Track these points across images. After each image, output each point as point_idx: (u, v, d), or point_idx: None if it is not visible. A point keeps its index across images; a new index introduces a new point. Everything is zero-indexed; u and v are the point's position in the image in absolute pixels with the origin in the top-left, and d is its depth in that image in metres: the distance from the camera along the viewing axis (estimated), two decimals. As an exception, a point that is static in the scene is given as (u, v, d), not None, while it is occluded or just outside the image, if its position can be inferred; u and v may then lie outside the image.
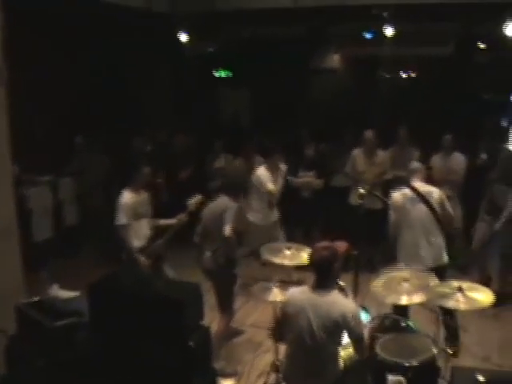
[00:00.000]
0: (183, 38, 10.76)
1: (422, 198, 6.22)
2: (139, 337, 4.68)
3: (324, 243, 4.67)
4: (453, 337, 5.52)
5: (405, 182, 7.48)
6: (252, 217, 8.33)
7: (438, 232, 6.25)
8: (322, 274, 4.48)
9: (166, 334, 4.61)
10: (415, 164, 6.78)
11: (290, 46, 11.60)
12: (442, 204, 6.26)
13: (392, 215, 6.43)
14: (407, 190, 6.33)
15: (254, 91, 12.84)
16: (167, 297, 4.78)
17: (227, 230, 5.91)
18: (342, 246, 4.79)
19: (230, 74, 13.84)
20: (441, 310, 5.28)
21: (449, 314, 5.46)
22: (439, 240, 6.25)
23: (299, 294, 4.58)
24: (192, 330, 4.68)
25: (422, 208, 6.21)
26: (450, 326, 5.42)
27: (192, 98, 12.43)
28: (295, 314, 4.47)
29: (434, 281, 5.18)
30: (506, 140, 11.84)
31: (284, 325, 4.66)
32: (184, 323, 4.62)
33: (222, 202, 6.14)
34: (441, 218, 6.24)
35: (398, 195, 6.39)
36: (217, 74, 13.90)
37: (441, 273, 5.85)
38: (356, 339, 4.49)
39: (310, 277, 4.61)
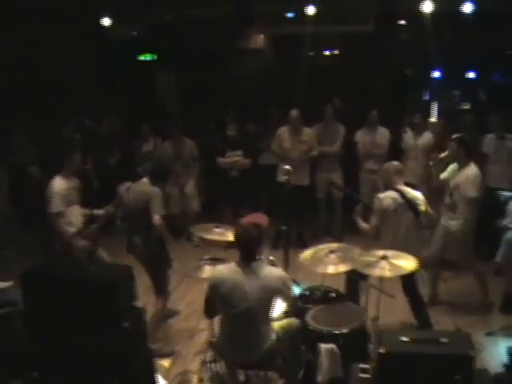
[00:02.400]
0: (106, 22, 10.64)
1: (411, 204, 5.99)
2: (74, 322, 4.69)
3: (248, 219, 4.74)
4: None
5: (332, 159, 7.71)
6: None
7: (418, 240, 6.17)
8: (249, 250, 4.56)
9: (101, 317, 4.63)
10: (395, 163, 6.36)
11: (214, 28, 11.56)
12: (426, 210, 6.11)
13: (375, 219, 6.07)
14: (395, 194, 6.01)
15: (181, 74, 12.76)
16: (99, 280, 4.79)
17: (157, 219, 5.90)
18: (261, 217, 4.85)
19: (156, 58, 13.72)
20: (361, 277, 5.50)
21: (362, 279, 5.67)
22: (418, 246, 6.09)
23: (229, 270, 4.63)
24: (126, 312, 4.71)
25: (409, 215, 6.00)
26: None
27: (118, 83, 12.30)
28: (228, 290, 4.53)
29: (358, 252, 5.37)
30: (428, 114, 12.22)
31: (216, 302, 4.72)
32: (117, 305, 4.65)
33: (146, 187, 6.09)
34: (426, 226, 6.22)
35: (388, 199, 5.99)
36: (142, 58, 13.76)
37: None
38: (290, 302, 4.71)
39: (238, 254, 4.68)
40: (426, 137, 8.87)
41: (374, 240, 6.12)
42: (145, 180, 6.11)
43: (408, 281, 5.99)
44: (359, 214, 6.30)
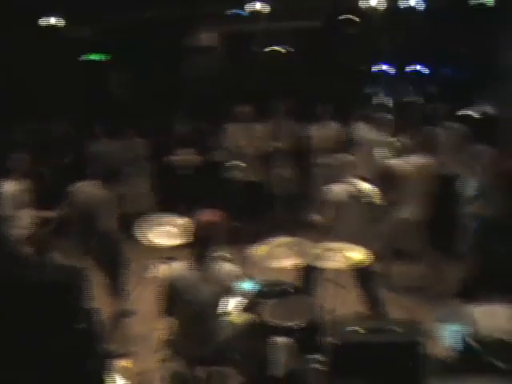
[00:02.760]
0: (56, 22, 10.51)
1: (364, 196, 6.09)
2: (27, 325, 4.66)
3: (203, 216, 4.74)
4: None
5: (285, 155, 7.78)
6: None
7: (371, 232, 6.17)
8: (204, 247, 4.57)
9: (55, 319, 4.61)
10: (346, 156, 6.47)
11: (165, 27, 11.54)
12: (379, 202, 6.20)
13: (328, 211, 6.08)
14: (348, 186, 6.07)
15: (133, 74, 12.69)
16: (53, 282, 4.76)
17: (108, 220, 5.88)
18: (217, 214, 4.85)
19: (109, 58, 13.61)
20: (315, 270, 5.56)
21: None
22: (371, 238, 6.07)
23: (183, 268, 4.64)
24: (81, 313, 4.70)
25: (362, 207, 6.09)
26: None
27: (70, 83, 12.17)
28: (182, 287, 4.55)
29: (311, 245, 5.43)
30: (379, 108, 12.38)
31: (172, 299, 4.72)
32: (71, 306, 4.64)
33: (97, 189, 6.08)
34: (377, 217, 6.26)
35: (341, 191, 6.05)
36: (94, 58, 13.63)
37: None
38: (244, 298, 4.81)
39: (192, 251, 4.69)
40: (378, 130, 8.94)
41: (327, 232, 6.10)
42: (95, 181, 6.09)
43: (362, 272, 6.06)
44: (311, 209, 6.35)
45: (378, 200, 6.15)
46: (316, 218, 6.25)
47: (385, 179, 7.68)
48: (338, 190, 6.06)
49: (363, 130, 9.04)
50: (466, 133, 7.66)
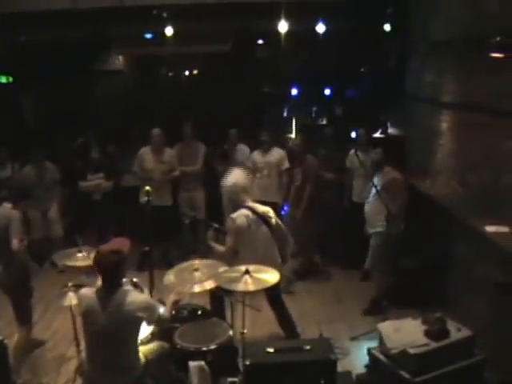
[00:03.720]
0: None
1: (263, 218, 6.11)
2: None
3: (109, 246, 4.65)
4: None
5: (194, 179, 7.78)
6: None
7: (276, 253, 6.22)
8: (110, 277, 4.47)
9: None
10: (240, 181, 6.29)
11: (72, 49, 11.38)
12: (277, 223, 6.27)
13: (231, 240, 6.03)
14: (246, 211, 6.08)
15: (39, 96, 12.44)
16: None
17: (15, 243, 5.73)
18: (123, 243, 4.77)
19: (11, 80, 13.28)
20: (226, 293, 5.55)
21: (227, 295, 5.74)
22: (277, 259, 6.20)
23: (89, 295, 4.52)
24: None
25: (264, 229, 6.11)
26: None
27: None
28: (85, 314, 4.45)
29: (222, 267, 5.43)
30: (286, 130, 12.62)
31: (81, 327, 4.63)
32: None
33: (5, 211, 5.93)
34: (279, 238, 6.26)
35: (241, 218, 6.02)
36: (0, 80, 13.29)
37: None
38: (156, 321, 4.63)
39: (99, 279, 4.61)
40: (275, 153, 8.94)
41: (230, 261, 6.01)
42: (5, 204, 5.94)
43: (273, 293, 6.11)
44: (212, 238, 6.33)
45: (275, 221, 6.23)
46: (218, 247, 6.20)
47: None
48: (237, 216, 6.05)
49: (260, 154, 9.01)
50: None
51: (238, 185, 6.21)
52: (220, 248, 6.17)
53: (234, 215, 6.06)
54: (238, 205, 6.16)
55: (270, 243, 6.15)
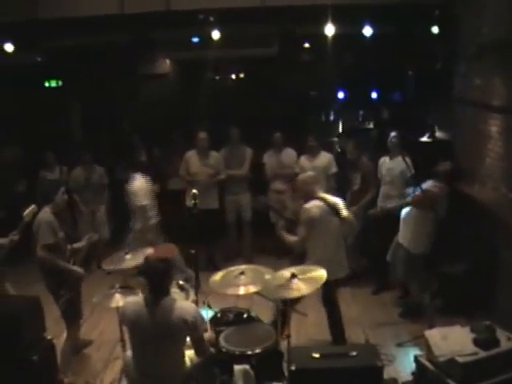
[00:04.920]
0: (9, 48, 10.39)
1: (334, 209, 6.12)
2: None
3: (156, 253, 4.66)
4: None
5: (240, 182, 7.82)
6: None
7: (344, 247, 6.29)
8: (158, 284, 4.45)
9: (8, 351, 4.52)
10: (310, 173, 6.51)
11: (118, 53, 11.52)
12: (348, 214, 6.25)
13: (304, 230, 6.02)
14: (319, 202, 6.09)
15: (85, 100, 12.62)
16: (4, 313, 4.67)
17: (37, 249, 5.80)
18: (170, 249, 4.78)
19: (60, 84, 13.52)
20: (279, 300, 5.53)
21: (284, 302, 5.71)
22: (344, 253, 6.29)
23: (135, 303, 4.53)
24: (34, 344, 4.62)
25: (335, 221, 6.12)
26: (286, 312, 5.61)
27: (19, 110, 12.05)
28: (133, 322, 4.46)
29: (269, 273, 5.40)
30: (331, 133, 12.55)
31: (127, 331, 4.67)
32: (23, 338, 4.55)
33: (40, 214, 6.00)
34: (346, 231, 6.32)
35: (314, 208, 6.03)
36: (46, 84, 13.53)
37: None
38: (195, 340, 4.56)
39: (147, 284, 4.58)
40: (323, 158, 8.96)
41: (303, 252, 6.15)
42: (45, 208, 6.02)
43: (326, 291, 6.08)
44: (283, 229, 6.31)
45: (346, 213, 6.22)
46: (289, 237, 6.20)
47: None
48: (311, 206, 6.06)
49: (306, 160, 9.02)
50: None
51: (310, 176, 6.34)
52: (291, 238, 6.18)
53: (308, 206, 6.08)
54: (310, 196, 6.18)
55: (340, 236, 6.20)
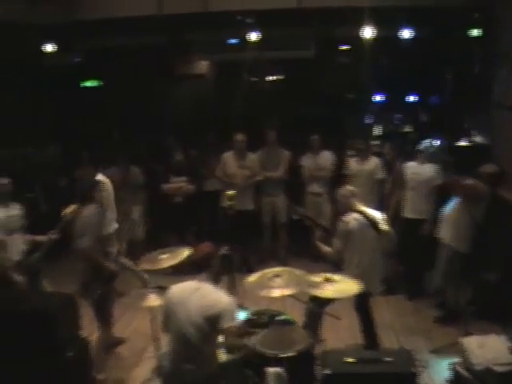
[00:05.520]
0: (48, 48, 10.53)
1: (373, 223, 6.06)
2: (15, 354, 4.62)
3: (201, 247, 4.68)
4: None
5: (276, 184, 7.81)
6: None
7: (381, 260, 6.27)
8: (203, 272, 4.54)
9: (43, 348, 4.57)
10: (348, 187, 6.40)
11: (156, 53, 11.60)
12: (387, 228, 6.17)
13: (340, 242, 6.01)
14: (357, 215, 6.05)
15: (122, 100, 12.72)
16: (41, 310, 4.73)
17: (84, 243, 5.84)
18: (206, 247, 4.79)
19: (97, 84, 13.66)
20: (312, 302, 5.51)
21: (317, 304, 5.70)
22: (380, 267, 6.29)
23: (180, 289, 4.61)
24: (69, 342, 4.67)
25: (372, 234, 6.05)
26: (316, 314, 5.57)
27: (58, 109, 12.20)
28: (169, 312, 4.53)
29: (304, 275, 5.37)
30: (369, 137, 12.45)
31: (166, 320, 4.68)
32: (59, 335, 4.60)
33: (84, 211, 6.08)
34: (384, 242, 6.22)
35: (353, 221, 6.00)
36: (84, 84, 13.69)
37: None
38: (228, 331, 4.56)
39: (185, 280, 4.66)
40: (372, 162, 8.86)
41: (338, 263, 6.13)
42: (89, 206, 6.08)
43: (359, 300, 6.02)
44: (319, 239, 6.29)
45: (385, 227, 6.14)
46: (325, 248, 6.19)
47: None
48: (349, 219, 6.03)
49: (356, 163, 8.94)
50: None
51: (348, 188, 6.28)
52: (327, 249, 6.17)
53: (346, 218, 6.05)
54: (348, 208, 6.14)
55: (377, 249, 6.13)
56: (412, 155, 8.54)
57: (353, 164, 8.95)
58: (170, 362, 4.65)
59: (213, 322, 4.47)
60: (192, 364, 4.51)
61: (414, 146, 8.76)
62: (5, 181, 6.46)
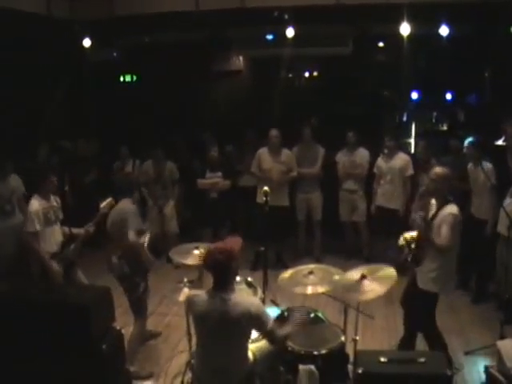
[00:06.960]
0: (86, 43, 10.64)
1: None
2: (50, 345, 4.67)
3: (219, 245, 4.62)
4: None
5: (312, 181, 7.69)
6: None
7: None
8: (219, 277, 4.41)
9: (78, 339, 4.62)
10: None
11: (193, 49, 11.63)
12: None
13: (453, 233, 5.45)
14: (454, 206, 5.56)
15: (160, 96, 12.80)
16: (75, 303, 4.77)
17: (130, 235, 5.88)
18: (235, 242, 4.73)
19: (135, 79, 13.76)
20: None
21: None
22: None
23: (200, 296, 4.49)
24: (103, 334, 4.71)
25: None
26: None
27: (96, 105, 12.33)
28: (199, 314, 4.45)
29: (338, 273, 5.33)
30: (404, 135, 12.37)
31: (193, 324, 4.67)
32: (93, 327, 4.64)
33: (122, 205, 6.12)
34: None
35: (457, 212, 5.53)
36: (122, 79, 13.80)
37: None
38: (265, 333, 4.50)
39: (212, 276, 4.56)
40: (399, 159, 8.77)
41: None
42: (125, 200, 6.13)
43: (430, 298, 5.83)
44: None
45: None
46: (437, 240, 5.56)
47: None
48: (457, 211, 5.58)
49: (383, 160, 8.90)
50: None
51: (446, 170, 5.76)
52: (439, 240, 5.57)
53: (455, 209, 5.55)
54: (445, 198, 5.68)
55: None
56: (446, 154, 8.47)
57: (380, 162, 8.91)
58: (201, 361, 4.61)
59: (242, 325, 4.36)
60: (223, 363, 4.44)
61: (449, 144, 8.68)
62: (52, 180, 6.54)
